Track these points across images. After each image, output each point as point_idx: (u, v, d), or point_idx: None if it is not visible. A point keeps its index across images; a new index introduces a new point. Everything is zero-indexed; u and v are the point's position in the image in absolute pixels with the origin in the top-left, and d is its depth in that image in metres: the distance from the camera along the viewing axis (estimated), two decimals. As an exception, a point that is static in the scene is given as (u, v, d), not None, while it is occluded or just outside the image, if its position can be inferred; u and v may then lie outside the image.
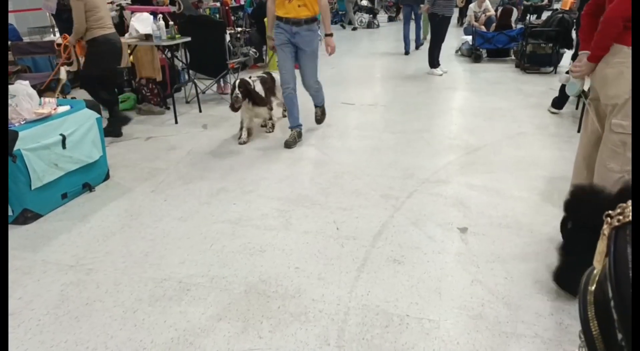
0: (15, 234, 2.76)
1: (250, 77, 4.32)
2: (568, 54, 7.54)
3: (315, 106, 4.53)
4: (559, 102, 4.99)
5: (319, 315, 2.07)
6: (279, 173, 3.60)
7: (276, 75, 4.53)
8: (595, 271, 0.78)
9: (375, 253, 2.52)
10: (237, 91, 4.05)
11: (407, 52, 9.26)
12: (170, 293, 2.23)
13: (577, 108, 4.95)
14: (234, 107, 4.13)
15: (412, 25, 9.50)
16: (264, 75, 4.56)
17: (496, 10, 9.30)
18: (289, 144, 4.14)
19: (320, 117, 4.59)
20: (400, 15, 16.02)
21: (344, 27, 14.40)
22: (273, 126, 4.62)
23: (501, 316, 2.03)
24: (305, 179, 3.48)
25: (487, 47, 8.18)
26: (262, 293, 2.22)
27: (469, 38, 8.47)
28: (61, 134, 3.06)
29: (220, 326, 2.01)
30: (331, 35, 4.01)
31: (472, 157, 3.84)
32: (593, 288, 0.76)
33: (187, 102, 5.78)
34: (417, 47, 9.77)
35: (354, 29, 14.03)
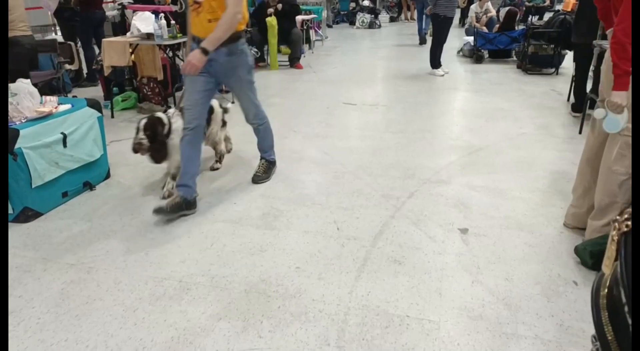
0: (16, 232, 2.76)
1: (167, 112, 3.39)
2: (570, 55, 7.53)
3: (261, 156, 3.49)
4: (578, 105, 4.93)
5: (319, 315, 2.07)
6: (280, 173, 3.59)
7: (214, 102, 3.54)
8: (605, 276, 0.78)
9: (376, 253, 2.52)
10: (141, 135, 3.01)
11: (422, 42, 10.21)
12: (171, 292, 2.23)
13: (580, 111, 4.93)
14: (136, 151, 3.06)
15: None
16: None
17: (498, 11, 9.29)
18: None
19: (261, 174, 3.40)
20: (402, 16, 16.07)
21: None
22: (221, 158, 3.72)
23: (502, 317, 2.03)
24: (306, 179, 3.48)
25: (488, 48, 8.18)
26: (262, 293, 2.22)
27: (471, 39, 8.46)
28: (62, 133, 3.05)
29: (220, 326, 2.01)
30: (204, 52, 2.64)
31: (474, 158, 3.84)
32: (605, 292, 0.76)
33: (188, 101, 5.77)
34: (421, 43, 9.98)
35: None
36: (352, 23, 14.65)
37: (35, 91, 3.14)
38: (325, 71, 7.70)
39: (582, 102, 4.73)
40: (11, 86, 3.02)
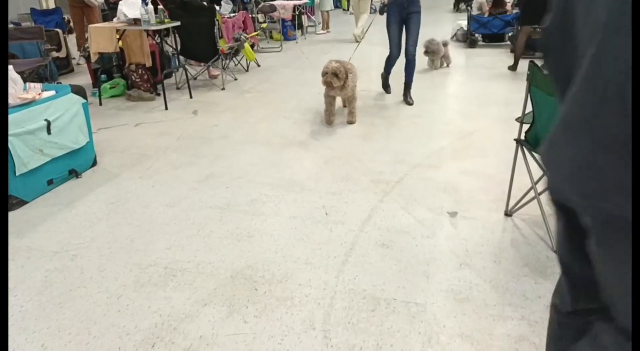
0: (0, 220, 2.72)
1: None
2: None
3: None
4: None
5: (305, 299, 2.05)
6: (268, 159, 3.56)
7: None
8: None
9: (364, 238, 2.50)
10: None
11: None
12: (156, 278, 2.20)
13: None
14: None
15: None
16: None
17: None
18: None
19: None
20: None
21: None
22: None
23: (488, 299, 2.01)
24: (295, 165, 3.45)
25: (482, 32, 8.10)
26: (248, 278, 2.20)
27: (464, 23, 8.38)
28: (46, 120, 3.01)
29: (205, 312, 1.99)
30: None
31: (465, 142, 3.81)
32: None
33: (178, 88, 5.71)
34: None
35: None
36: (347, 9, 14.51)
37: (18, 77, 3.08)
38: (318, 57, 7.63)
39: None
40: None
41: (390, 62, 5.01)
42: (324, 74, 4.01)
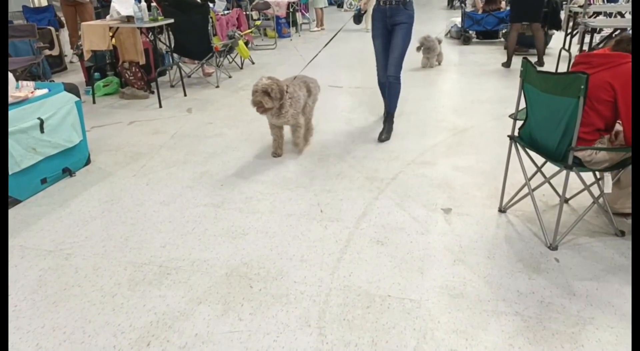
0: (-7, 220, 2.71)
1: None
2: (557, 35, 7.51)
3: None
4: None
5: (301, 296, 2.06)
6: (263, 156, 3.56)
7: None
8: None
9: (359, 235, 2.51)
10: None
11: None
12: (150, 277, 2.20)
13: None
14: None
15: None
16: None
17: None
18: None
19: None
20: None
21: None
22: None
23: (482, 295, 2.03)
24: (290, 163, 3.45)
25: (476, 29, 8.12)
26: (243, 276, 2.20)
27: (458, 20, 8.40)
28: (39, 118, 2.99)
29: (200, 310, 1.99)
30: None
31: (459, 139, 3.82)
32: None
33: (172, 86, 5.69)
34: None
35: None
36: (340, 5, 14.51)
37: (10, 75, 3.06)
38: (312, 54, 7.61)
39: None
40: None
41: (382, 90, 4.11)
42: (254, 92, 3.27)
